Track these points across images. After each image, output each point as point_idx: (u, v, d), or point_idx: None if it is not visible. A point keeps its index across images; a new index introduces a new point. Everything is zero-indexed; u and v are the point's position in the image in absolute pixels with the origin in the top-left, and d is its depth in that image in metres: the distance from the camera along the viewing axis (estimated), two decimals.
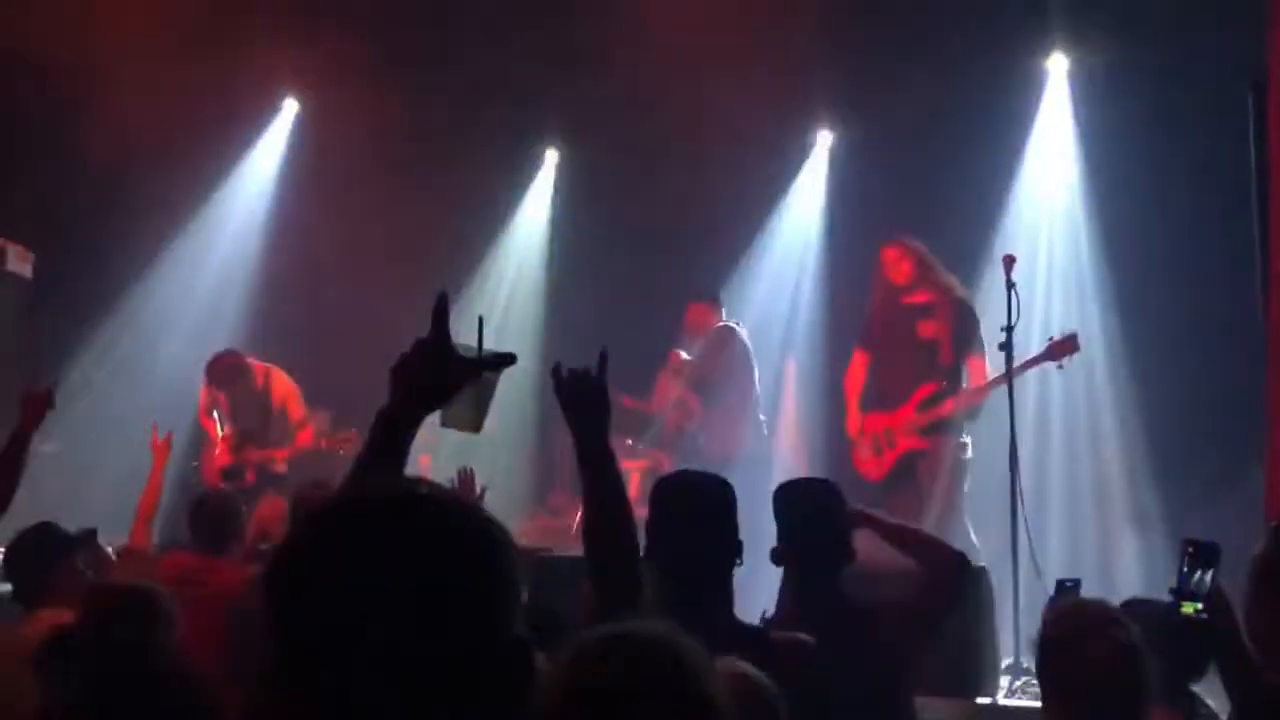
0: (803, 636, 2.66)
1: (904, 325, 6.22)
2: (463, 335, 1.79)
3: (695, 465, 4.69)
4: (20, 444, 3.86)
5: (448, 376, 1.69)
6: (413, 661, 1.12)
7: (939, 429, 6.04)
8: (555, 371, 2.34)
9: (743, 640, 2.52)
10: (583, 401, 2.32)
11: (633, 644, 1.44)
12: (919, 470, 6.09)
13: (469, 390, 1.75)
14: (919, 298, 6.23)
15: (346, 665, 1.11)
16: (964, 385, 6.13)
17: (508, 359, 1.76)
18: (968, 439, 6.18)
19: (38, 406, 3.91)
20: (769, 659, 2.44)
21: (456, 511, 1.20)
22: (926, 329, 6.15)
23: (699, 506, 2.67)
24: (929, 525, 6.02)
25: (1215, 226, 6.05)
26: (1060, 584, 3.31)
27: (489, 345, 1.79)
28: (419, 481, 1.24)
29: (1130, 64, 7.12)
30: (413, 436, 1.66)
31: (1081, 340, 5.85)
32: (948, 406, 6.00)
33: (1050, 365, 5.80)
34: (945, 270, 6.32)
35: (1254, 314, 4.92)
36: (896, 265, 6.25)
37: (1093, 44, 7.42)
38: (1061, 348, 5.66)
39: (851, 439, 6.41)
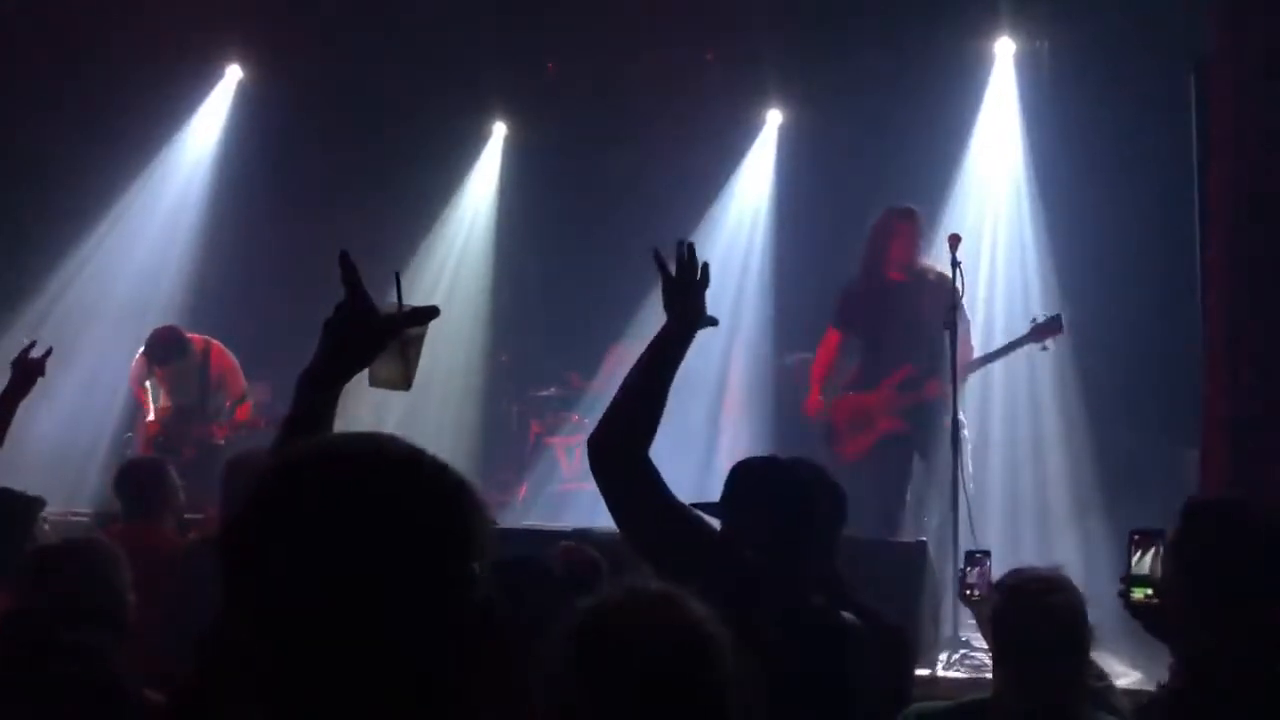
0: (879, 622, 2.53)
1: (891, 302, 5.87)
2: (415, 302, 1.76)
3: None
4: (7, 407, 3.77)
5: (369, 335, 1.68)
6: (382, 620, 1.08)
7: (921, 410, 5.74)
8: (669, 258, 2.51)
9: (806, 623, 2.41)
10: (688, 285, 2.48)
11: (641, 598, 1.53)
12: (901, 452, 5.79)
13: (394, 347, 1.73)
14: (910, 274, 5.89)
15: (312, 629, 1.08)
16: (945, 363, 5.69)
17: (429, 312, 1.73)
18: (962, 416, 5.70)
19: (30, 373, 3.82)
20: (839, 646, 2.37)
21: (426, 467, 1.16)
22: (914, 307, 5.81)
23: (762, 488, 2.59)
24: (932, 510, 5.75)
25: (1158, 209, 6.13)
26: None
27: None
28: (386, 436, 1.19)
29: (1076, 48, 7.19)
30: (336, 399, 1.66)
31: (1028, 317, 5.79)
32: (931, 390, 5.70)
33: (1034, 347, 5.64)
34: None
35: (1193, 297, 4.99)
36: (911, 239, 5.86)
37: (1039, 28, 7.49)
38: (1046, 330, 5.55)
39: (809, 416, 6.11)
